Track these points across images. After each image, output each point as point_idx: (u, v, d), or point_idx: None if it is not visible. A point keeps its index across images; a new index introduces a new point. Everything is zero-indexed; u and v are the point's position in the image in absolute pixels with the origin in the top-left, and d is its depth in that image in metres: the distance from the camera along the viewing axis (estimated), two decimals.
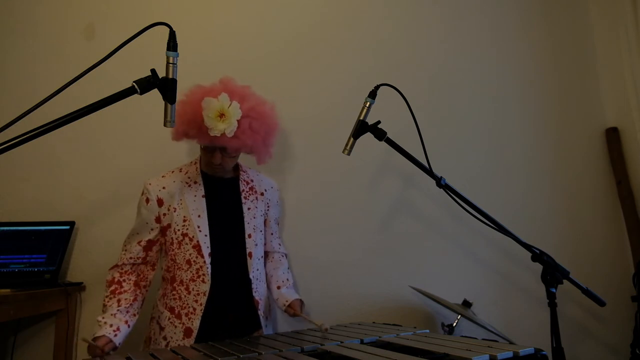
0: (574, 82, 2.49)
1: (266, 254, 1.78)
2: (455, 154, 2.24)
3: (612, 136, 2.42)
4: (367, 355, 1.05)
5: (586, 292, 1.45)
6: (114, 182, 1.97)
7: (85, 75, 0.98)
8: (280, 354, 1.13)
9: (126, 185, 1.95)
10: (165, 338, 1.52)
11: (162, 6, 2.12)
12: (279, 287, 1.71)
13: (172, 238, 1.55)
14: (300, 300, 1.68)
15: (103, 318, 1.44)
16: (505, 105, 2.37)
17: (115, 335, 1.41)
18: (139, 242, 1.56)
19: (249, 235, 1.62)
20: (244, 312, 1.60)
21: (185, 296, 1.52)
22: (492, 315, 2.09)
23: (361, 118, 1.45)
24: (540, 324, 2.05)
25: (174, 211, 1.55)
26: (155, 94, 1.09)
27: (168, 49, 1.07)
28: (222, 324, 1.54)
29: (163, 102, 1.09)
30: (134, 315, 1.50)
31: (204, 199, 1.58)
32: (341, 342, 1.22)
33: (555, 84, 2.46)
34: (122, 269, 1.56)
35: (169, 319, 1.53)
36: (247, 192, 1.68)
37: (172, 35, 1.07)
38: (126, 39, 1.04)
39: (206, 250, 1.52)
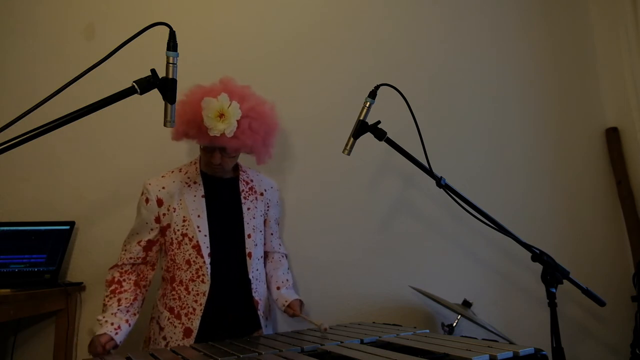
0: (574, 82, 2.48)
1: (266, 254, 1.78)
2: (455, 154, 2.24)
3: (612, 136, 2.42)
4: (367, 355, 1.05)
5: (586, 292, 1.45)
6: (114, 182, 1.97)
7: (85, 75, 0.98)
8: (280, 354, 1.13)
9: (126, 185, 1.95)
10: (165, 338, 1.52)
11: (162, 6, 2.12)
12: (278, 288, 1.71)
13: (171, 238, 1.55)
14: (300, 300, 1.68)
15: (104, 317, 1.44)
16: (505, 105, 2.37)
17: (117, 333, 1.41)
18: (138, 242, 1.57)
19: (249, 236, 1.62)
20: (243, 312, 1.60)
21: (184, 296, 1.52)
22: (492, 315, 2.09)
23: (361, 118, 1.45)
24: (540, 324, 2.05)
25: (174, 211, 1.55)
26: (155, 94, 1.09)
27: (168, 49, 1.07)
28: (221, 324, 1.54)
29: (163, 102, 1.09)
30: (134, 314, 1.51)
31: (203, 199, 1.58)
32: (341, 342, 1.23)
33: (555, 84, 2.45)
34: (122, 268, 1.56)
35: (169, 319, 1.53)
36: (246, 192, 1.68)
37: (172, 35, 1.07)
38: (126, 39, 1.04)
39: (206, 250, 1.52)
